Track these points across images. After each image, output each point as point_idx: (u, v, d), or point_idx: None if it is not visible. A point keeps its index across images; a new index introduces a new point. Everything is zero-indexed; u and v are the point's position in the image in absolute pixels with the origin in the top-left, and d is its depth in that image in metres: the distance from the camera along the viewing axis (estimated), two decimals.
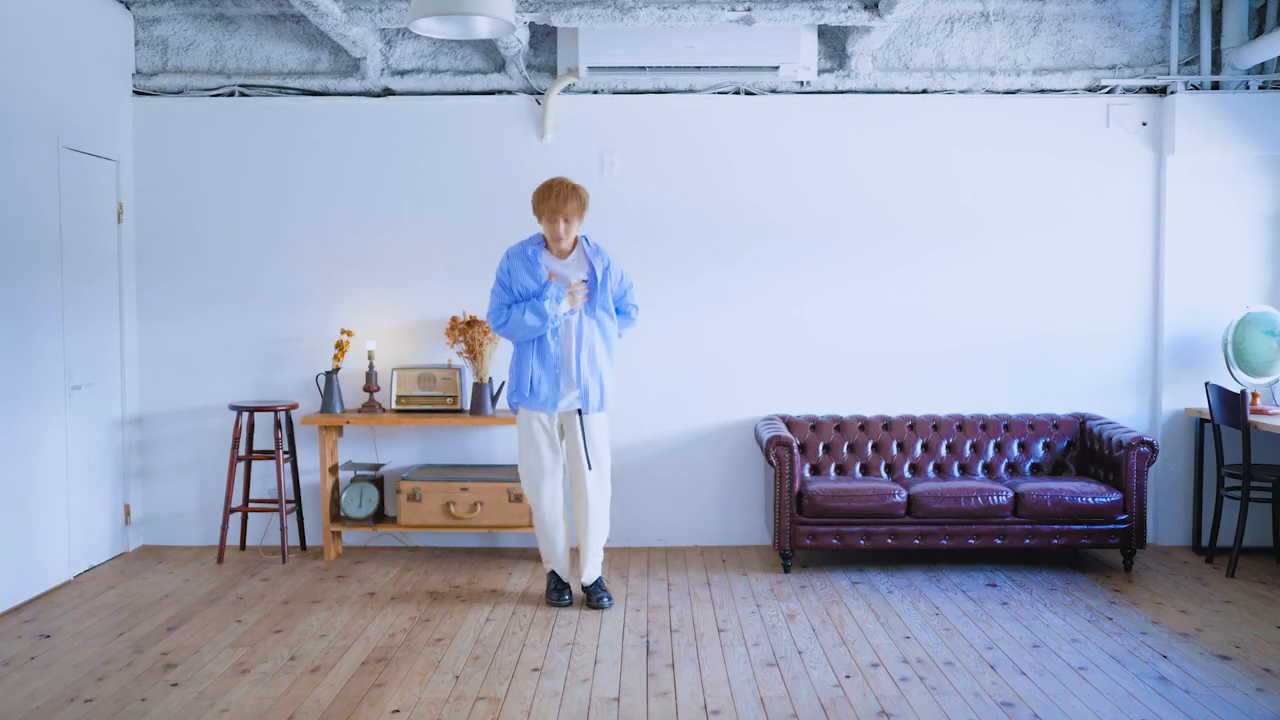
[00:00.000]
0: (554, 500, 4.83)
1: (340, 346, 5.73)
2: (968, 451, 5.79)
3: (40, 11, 5.05)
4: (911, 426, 5.83)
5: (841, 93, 5.91)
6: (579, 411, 4.73)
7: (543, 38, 5.82)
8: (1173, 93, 5.80)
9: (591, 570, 4.87)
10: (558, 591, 4.86)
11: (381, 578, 5.32)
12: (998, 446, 5.80)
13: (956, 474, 5.76)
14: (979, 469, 5.77)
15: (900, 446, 5.80)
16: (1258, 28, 5.79)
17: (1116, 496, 5.25)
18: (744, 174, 5.92)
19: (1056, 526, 5.26)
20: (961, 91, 5.90)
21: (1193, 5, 5.83)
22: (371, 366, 5.71)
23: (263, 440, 5.97)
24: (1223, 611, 4.71)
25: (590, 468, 4.76)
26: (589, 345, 4.71)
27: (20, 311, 4.88)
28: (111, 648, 4.26)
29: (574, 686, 3.85)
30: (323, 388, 5.75)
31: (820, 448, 5.79)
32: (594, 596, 4.82)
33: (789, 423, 5.83)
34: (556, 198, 4.60)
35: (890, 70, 5.89)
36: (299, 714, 3.59)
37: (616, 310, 4.85)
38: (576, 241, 4.76)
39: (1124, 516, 5.27)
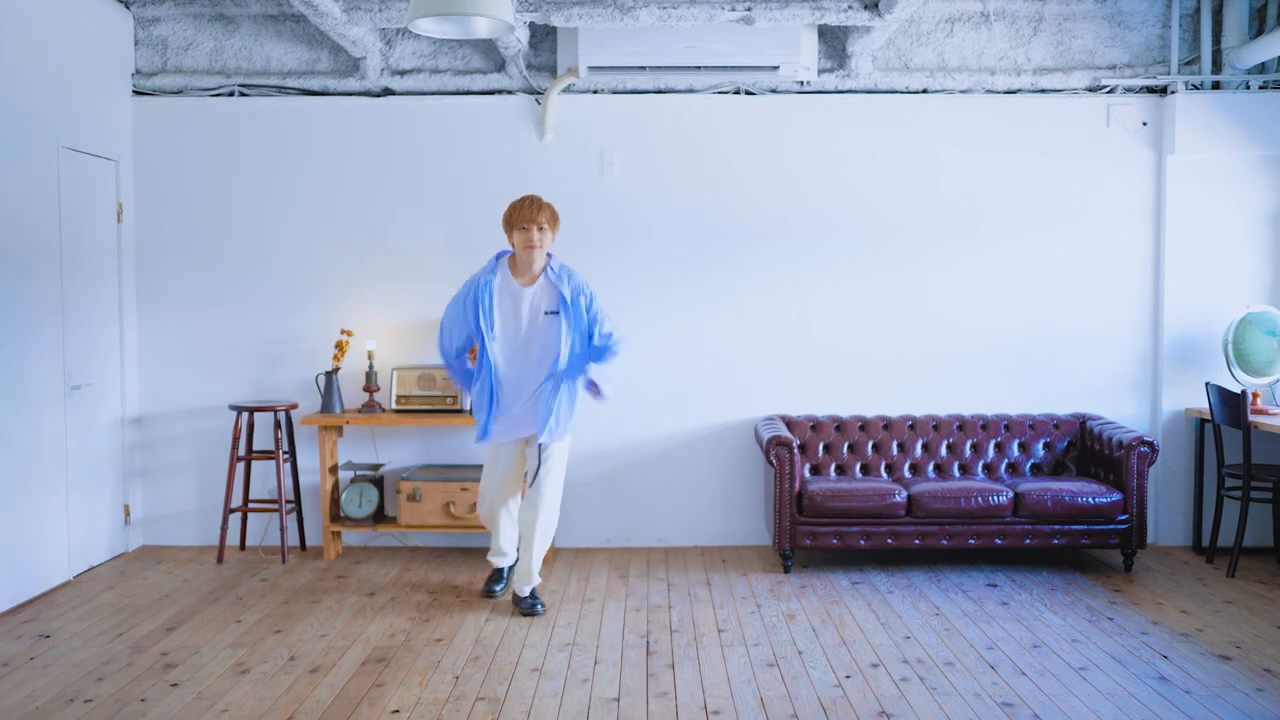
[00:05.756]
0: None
1: (340, 346, 5.73)
2: (968, 451, 5.79)
3: (40, 11, 5.05)
4: (912, 426, 5.82)
5: (842, 93, 5.91)
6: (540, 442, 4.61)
7: (543, 37, 5.82)
8: (1173, 92, 5.79)
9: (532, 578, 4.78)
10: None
11: (381, 578, 5.32)
12: (998, 446, 5.79)
13: (957, 474, 5.75)
14: (979, 469, 5.77)
15: (900, 446, 5.79)
16: (1258, 27, 5.78)
17: (1117, 496, 5.24)
18: (744, 174, 5.92)
19: (1057, 526, 5.25)
20: (962, 91, 5.90)
21: (1193, 5, 5.83)
22: (371, 366, 5.71)
23: (263, 440, 5.97)
24: (1223, 612, 4.71)
25: (530, 484, 4.67)
26: (554, 375, 4.54)
27: (20, 311, 4.87)
28: (111, 648, 4.25)
29: (574, 686, 3.85)
30: (323, 388, 5.75)
31: (820, 448, 5.79)
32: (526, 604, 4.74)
33: (789, 423, 5.83)
34: (530, 205, 4.54)
35: (890, 70, 5.89)
36: (299, 714, 3.59)
37: (590, 344, 4.61)
38: (543, 269, 4.60)
39: (1124, 516, 5.27)
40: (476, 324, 4.56)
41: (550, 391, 4.55)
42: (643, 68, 5.57)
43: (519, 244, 4.56)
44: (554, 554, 5.75)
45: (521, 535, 4.76)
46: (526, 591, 4.75)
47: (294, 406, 5.80)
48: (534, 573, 4.74)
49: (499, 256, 4.69)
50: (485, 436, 4.62)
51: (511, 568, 5.01)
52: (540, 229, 4.54)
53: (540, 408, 4.57)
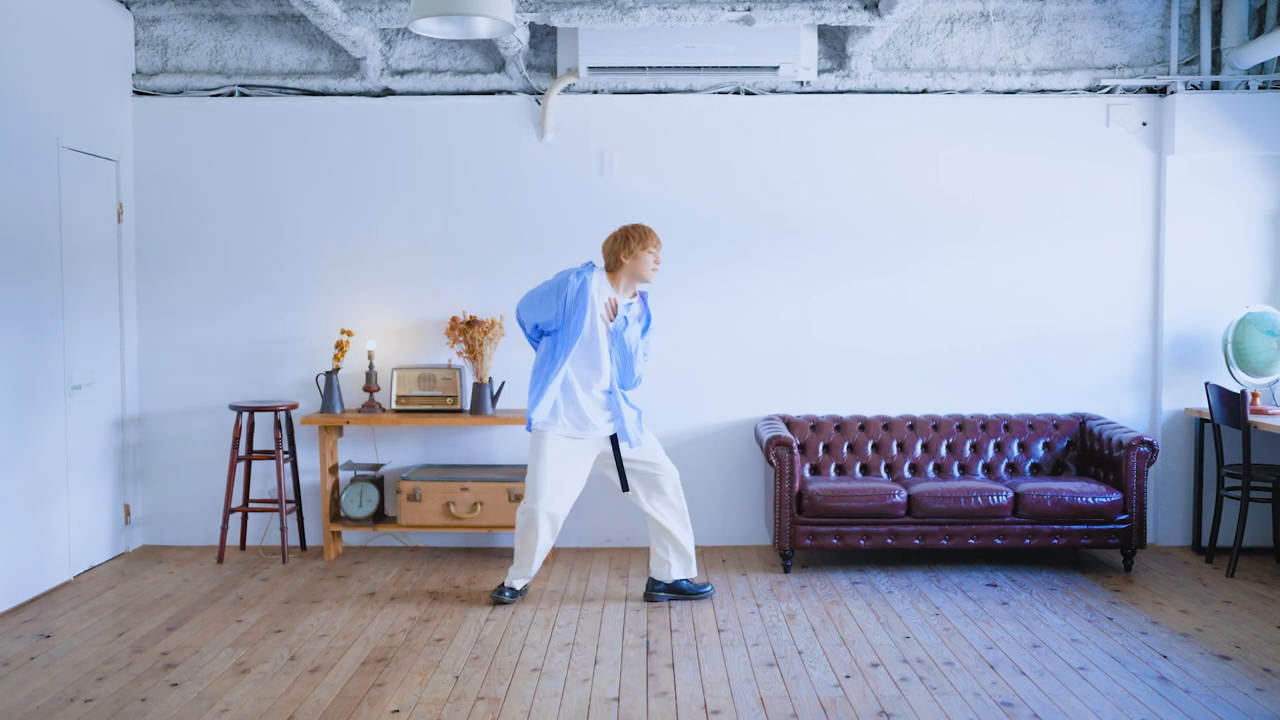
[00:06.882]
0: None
1: (340, 346, 5.73)
2: (968, 451, 5.79)
3: (40, 11, 5.05)
4: (911, 426, 5.82)
5: (841, 93, 5.91)
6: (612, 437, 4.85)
7: (543, 38, 5.83)
8: (1173, 93, 5.80)
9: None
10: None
11: (381, 578, 5.32)
12: (998, 446, 5.80)
13: (956, 474, 5.76)
14: (979, 469, 5.77)
15: (900, 446, 5.80)
16: (1258, 28, 5.79)
17: (1116, 496, 5.24)
18: (744, 174, 5.92)
19: (1056, 526, 5.26)
20: (961, 91, 5.90)
21: (1193, 5, 5.83)
22: (371, 366, 5.71)
23: (263, 440, 5.97)
24: (1223, 611, 4.71)
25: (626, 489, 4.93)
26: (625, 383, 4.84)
27: (20, 311, 4.88)
28: (111, 648, 4.26)
29: (574, 686, 3.85)
30: (323, 388, 5.75)
31: (820, 448, 5.79)
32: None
33: (789, 423, 5.83)
34: (656, 240, 4.77)
35: (890, 70, 5.89)
36: (299, 714, 3.59)
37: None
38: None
39: (1124, 516, 5.27)
40: (566, 318, 4.66)
41: (624, 398, 4.77)
42: (643, 68, 5.58)
43: (648, 264, 4.75)
44: (554, 554, 5.75)
45: (668, 528, 4.88)
46: (693, 574, 4.98)
47: (294, 406, 5.80)
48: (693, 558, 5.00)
49: (594, 266, 4.80)
50: (549, 420, 4.72)
51: (519, 590, 4.93)
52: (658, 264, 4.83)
53: (617, 411, 4.76)
